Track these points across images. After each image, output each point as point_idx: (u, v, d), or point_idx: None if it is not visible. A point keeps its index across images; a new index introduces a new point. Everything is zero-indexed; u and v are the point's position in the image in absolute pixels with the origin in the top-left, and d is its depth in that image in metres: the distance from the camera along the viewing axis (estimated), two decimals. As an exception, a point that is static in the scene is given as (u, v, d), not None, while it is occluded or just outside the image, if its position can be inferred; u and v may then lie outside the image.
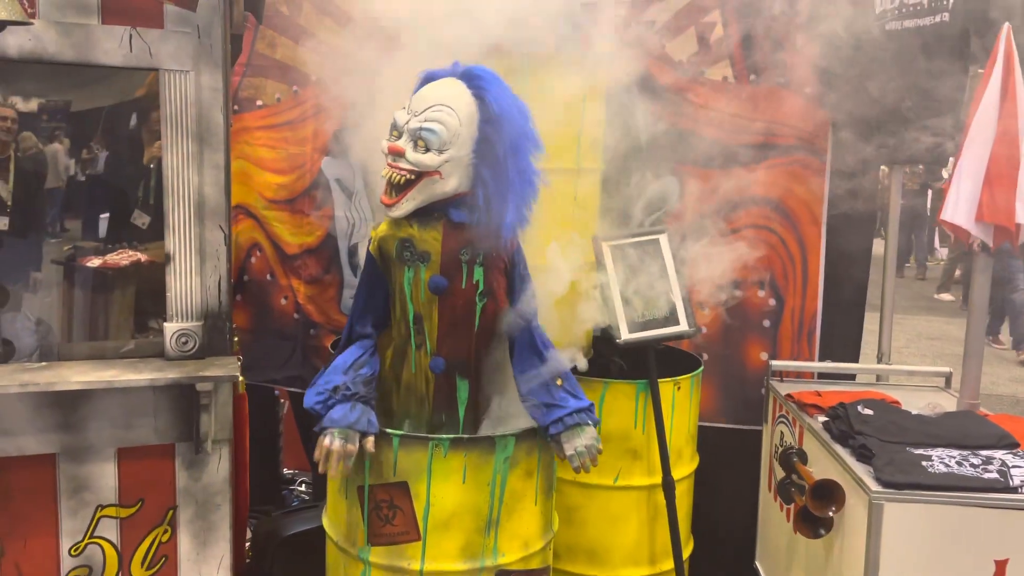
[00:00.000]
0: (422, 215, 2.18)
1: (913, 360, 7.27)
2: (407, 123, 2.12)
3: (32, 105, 3.01)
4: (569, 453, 2.21)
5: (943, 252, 12.18)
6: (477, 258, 2.21)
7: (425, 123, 2.08)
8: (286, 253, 3.68)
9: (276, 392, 4.00)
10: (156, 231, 2.77)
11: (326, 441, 2.09)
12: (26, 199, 2.96)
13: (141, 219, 2.98)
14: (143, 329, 2.79)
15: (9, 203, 2.81)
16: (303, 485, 4.15)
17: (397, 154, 2.11)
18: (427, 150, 2.09)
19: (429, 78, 2.18)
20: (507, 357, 2.32)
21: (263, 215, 3.69)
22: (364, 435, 2.12)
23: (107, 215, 3.16)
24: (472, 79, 2.14)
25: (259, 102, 3.64)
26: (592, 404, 2.30)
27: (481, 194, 2.13)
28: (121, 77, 2.63)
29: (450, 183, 2.13)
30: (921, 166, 6.93)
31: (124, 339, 2.67)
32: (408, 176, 2.11)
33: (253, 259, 3.75)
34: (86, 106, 3.07)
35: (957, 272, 10.49)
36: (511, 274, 2.27)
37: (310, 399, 2.15)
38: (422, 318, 2.22)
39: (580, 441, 2.21)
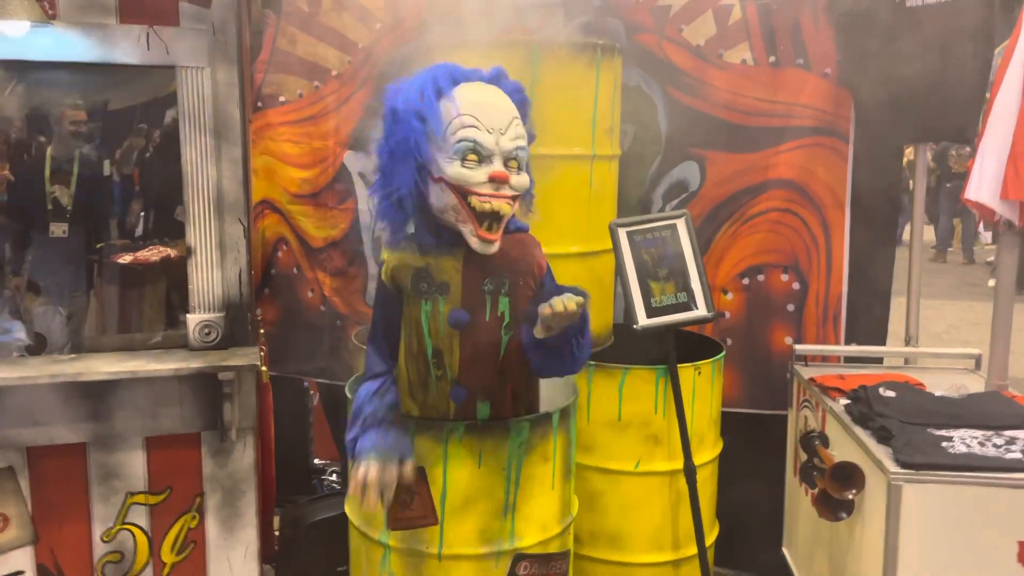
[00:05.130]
0: (438, 241, 1.99)
1: (957, 345, 7.10)
2: (498, 143, 1.89)
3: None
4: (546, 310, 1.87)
5: (988, 236, 11.89)
6: (502, 288, 2.02)
7: (517, 140, 1.91)
8: (311, 247, 3.74)
9: (305, 384, 4.07)
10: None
11: (361, 471, 1.93)
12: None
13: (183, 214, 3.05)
14: (173, 322, 2.86)
15: (70, 208, 2.87)
16: (334, 475, 4.22)
17: (503, 181, 1.89)
18: (519, 170, 1.93)
19: (460, 79, 1.95)
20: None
21: (288, 209, 3.75)
22: (402, 460, 1.99)
23: (141, 212, 3.25)
24: (509, 88, 1.98)
25: (282, 98, 3.70)
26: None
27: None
28: (150, 76, 2.70)
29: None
30: (967, 148, 6.79)
31: (154, 332, 2.74)
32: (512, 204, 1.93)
33: (280, 253, 3.81)
34: (118, 106, 3.16)
35: None
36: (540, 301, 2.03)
37: (349, 437, 2.03)
38: (442, 352, 2.06)
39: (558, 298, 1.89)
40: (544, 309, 1.86)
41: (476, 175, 1.87)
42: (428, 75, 1.94)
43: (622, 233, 2.78)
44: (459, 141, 1.87)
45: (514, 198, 1.93)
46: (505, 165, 1.90)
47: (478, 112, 1.89)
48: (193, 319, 2.45)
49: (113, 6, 2.26)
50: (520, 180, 1.92)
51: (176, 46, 2.30)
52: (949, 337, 7.59)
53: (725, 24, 3.20)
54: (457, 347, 2.05)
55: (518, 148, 1.91)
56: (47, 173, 3.15)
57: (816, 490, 2.51)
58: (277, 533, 3.07)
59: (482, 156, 1.88)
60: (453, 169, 1.87)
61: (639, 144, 3.34)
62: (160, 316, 2.96)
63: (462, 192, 1.88)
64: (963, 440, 2.17)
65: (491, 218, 1.90)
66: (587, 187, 2.84)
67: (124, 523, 2.45)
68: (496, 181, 1.88)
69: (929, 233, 11.27)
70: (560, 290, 1.94)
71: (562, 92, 2.72)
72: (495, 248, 1.93)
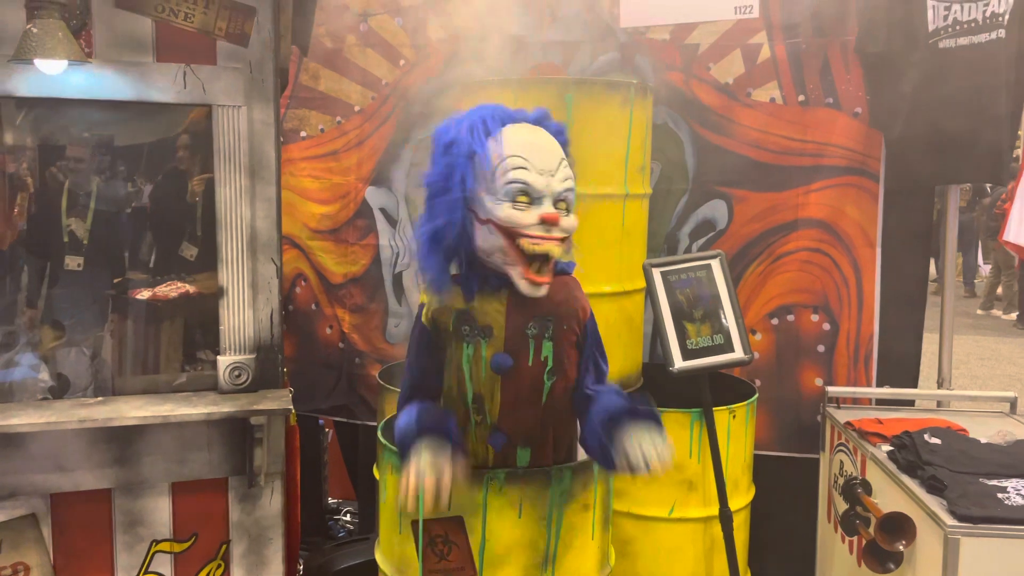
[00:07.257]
0: (482, 284, 1.95)
1: (966, 381, 7.07)
2: (548, 185, 1.86)
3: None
4: (634, 453, 1.83)
5: (986, 269, 11.91)
6: (546, 332, 1.97)
7: (566, 182, 1.89)
8: (331, 283, 3.69)
9: (321, 421, 4.00)
10: (204, 262, 2.79)
11: (412, 463, 1.81)
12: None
13: (188, 251, 3.01)
14: (193, 361, 2.80)
15: (86, 241, 2.81)
16: (348, 515, 4.13)
17: (553, 223, 1.85)
18: (568, 212, 1.90)
19: (507, 120, 1.93)
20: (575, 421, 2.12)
21: (308, 245, 3.70)
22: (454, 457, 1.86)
23: (156, 247, 3.19)
24: (553, 129, 1.96)
25: (303, 133, 3.67)
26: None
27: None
28: (167, 113, 2.66)
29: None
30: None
31: (176, 372, 2.68)
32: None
33: (298, 289, 3.76)
34: (132, 141, 3.11)
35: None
36: (583, 347, 2.05)
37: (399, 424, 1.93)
38: (482, 398, 2.00)
39: (648, 440, 1.85)
40: (634, 455, 1.83)
41: (527, 217, 1.84)
42: (476, 114, 1.91)
43: (656, 273, 2.74)
44: (509, 183, 1.84)
45: (563, 239, 1.90)
46: (554, 206, 1.87)
47: (527, 153, 1.86)
48: (224, 361, 2.38)
49: (150, 45, 2.22)
50: (569, 222, 1.89)
51: (213, 85, 2.26)
52: (958, 373, 7.51)
53: (753, 63, 3.19)
54: (498, 392, 1.99)
55: (567, 190, 1.88)
56: (64, 206, 3.10)
57: (860, 540, 2.44)
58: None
59: (532, 198, 1.85)
60: (503, 211, 1.83)
61: (666, 181, 3.31)
62: (180, 355, 2.89)
63: (511, 234, 1.84)
64: (1018, 491, 2.11)
65: (540, 260, 1.87)
66: (619, 226, 2.81)
67: (148, 572, 2.37)
68: (547, 223, 1.84)
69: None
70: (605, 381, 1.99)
71: (596, 131, 2.70)
72: (544, 291, 1.90)
